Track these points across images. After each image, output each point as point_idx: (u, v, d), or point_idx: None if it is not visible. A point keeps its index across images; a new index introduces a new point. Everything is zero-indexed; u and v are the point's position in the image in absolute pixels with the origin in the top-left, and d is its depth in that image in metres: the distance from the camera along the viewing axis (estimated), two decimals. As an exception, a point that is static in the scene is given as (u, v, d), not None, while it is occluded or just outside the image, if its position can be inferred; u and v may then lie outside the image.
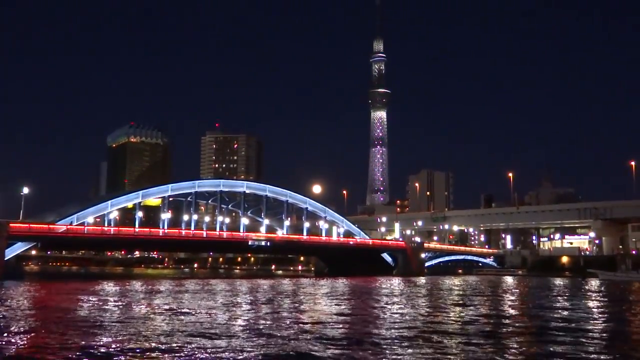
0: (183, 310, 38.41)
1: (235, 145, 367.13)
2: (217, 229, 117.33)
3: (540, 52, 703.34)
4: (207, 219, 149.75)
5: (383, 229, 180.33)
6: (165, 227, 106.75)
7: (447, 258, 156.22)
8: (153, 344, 23.62)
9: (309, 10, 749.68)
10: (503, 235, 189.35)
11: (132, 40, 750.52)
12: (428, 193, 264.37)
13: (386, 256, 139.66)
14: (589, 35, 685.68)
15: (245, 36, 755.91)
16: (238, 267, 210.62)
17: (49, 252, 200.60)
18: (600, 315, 40.59)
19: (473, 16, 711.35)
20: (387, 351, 22.69)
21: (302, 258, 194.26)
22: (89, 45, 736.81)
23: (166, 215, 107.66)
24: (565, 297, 59.19)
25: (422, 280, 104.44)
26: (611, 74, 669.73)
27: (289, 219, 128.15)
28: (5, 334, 26.32)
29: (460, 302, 50.47)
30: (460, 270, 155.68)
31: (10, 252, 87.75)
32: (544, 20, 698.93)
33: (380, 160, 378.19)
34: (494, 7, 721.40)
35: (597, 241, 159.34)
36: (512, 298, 59.85)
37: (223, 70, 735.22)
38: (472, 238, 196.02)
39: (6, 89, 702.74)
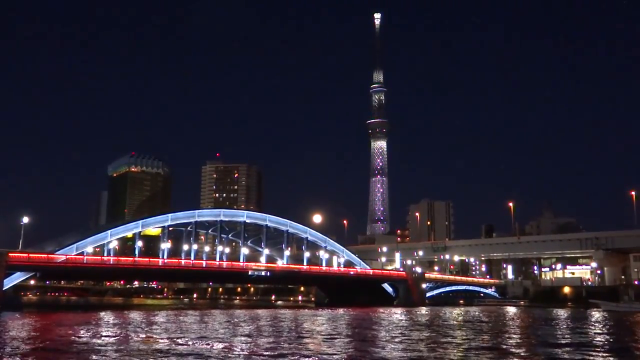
0: (180, 346, 37.85)
1: (236, 175, 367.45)
2: (217, 259, 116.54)
3: (539, 83, 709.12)
4: (207, 248, 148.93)
5: (384, 259, 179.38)
6: (165, 257, 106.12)
7: (448, 288, 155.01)
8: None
9: (309, 42, 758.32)
10: (504, 265, 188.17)
11: (133, 71, 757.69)
12: (429, 223, 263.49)
13: (387, 286, 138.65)
14: (588, 65, 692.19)
15: (245, 67, 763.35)
16: (238, 298, 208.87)
17: (47, 282, 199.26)
18: (608, 350, 39.97)
19: (473, 48, 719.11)
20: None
21: (302, 288, 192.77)
22: (90, 76, 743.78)
23: (166, 245, 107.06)
24: (573, 330, 58.49)
25: (423, 311, 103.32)
26: (612, 103, 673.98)
27: (289, 248, 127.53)
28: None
29: (469, 336, 49.85)
30: (461, 301, 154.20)
31: (9, 282, 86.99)
32: (542, 52, 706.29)
33: (381, 190, 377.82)
34: (492, 38, 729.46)
35: (599, 271, 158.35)
36: (521, 331, 59.08)
37: (223, 100, 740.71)
38: (473, 268, 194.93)
39: (8, 117, 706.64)
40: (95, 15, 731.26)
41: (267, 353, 32.96)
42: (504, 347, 39.22)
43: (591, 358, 33.45)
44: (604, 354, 36.31)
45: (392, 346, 38.29)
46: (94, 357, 30.41)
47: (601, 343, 43.82)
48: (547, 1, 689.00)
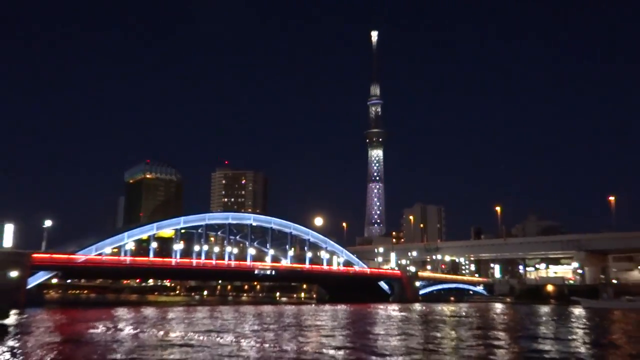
0: (192, 339, 38.04)
1: (243, 181, 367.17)
2: (226, 258, 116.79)
3: (525, 93, 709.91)
4: (216, 249, 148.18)
5: (380, 259, 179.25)
6: (178, 257, 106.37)
7: (440, 286, 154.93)
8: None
9: (313, 58, 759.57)
10: (492, 265, 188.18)
11: (148, 86, 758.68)
12: (422, 225, 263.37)
13: (383, 284, 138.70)
14: (572, 72, 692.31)
15: (253, 82, 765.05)
16: (245, 295, 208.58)
17: (68, 281, 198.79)
18: (587, 342, 40.14)
19: (462, 61, 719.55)
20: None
21: (304, 286, 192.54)
22: (109, 90, 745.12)
23: (178, 246, 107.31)
24: (555, 325, 58.64)
25: (417, 307, 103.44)
26: (593, 114, 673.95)
27: (293, 249, 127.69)
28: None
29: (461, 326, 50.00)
30: (452, 298, 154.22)
31: (33, 281, 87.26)
32: (530, 62, 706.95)
33: (377, 195, 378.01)
34: (479, 47, 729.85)
35: (580, 271, 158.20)
36: (507, 325, 59.22)
37: (232, 113, 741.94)
38: (463, 267, 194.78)
39: (31, 128, 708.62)
40: (119, 26, 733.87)
41: (274, 344, 33.15)
42: (491, 338, 39.39)
43: (571, 349, 33.64)
44: (583, 346, 36.50)
45: (390, 337, 38.47)
46: (113, 349, 30.64)
47: (580, 336, 44.00)
48: (542, 4, 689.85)
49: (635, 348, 36.55)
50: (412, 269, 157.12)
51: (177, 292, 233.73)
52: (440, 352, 31.89)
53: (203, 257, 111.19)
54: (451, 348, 33.78)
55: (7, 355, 27.43)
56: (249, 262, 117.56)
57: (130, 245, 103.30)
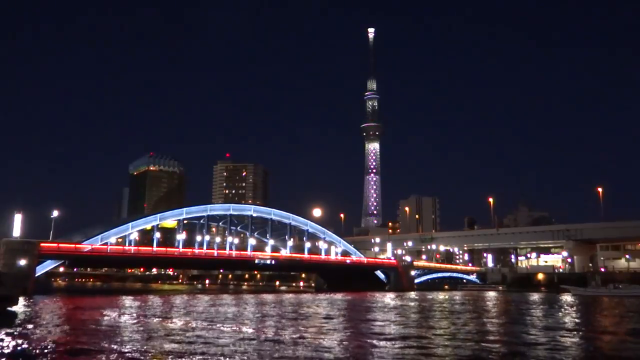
0: (195, 325, 38.13)
1: (244, 174, 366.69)
2: (227, 248, 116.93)
3: (516, 87, 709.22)
4: (217, 239, 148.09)
5: (376, 249, 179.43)
6: (180, 247, 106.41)
7: (434, 275, 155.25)
8: (169, 354, 23.46)
9: (312, 56, 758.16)
10: (485, 254, 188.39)
11: (152, 80, 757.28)
12: (417, 216, 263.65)
13: (379, 273, 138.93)
14: (561, 65, 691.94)
15: (254, 78, 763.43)
16: (245, 283, 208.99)
17: (75, 269, 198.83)
18: (575, 327, 40.32)
19: (456, 56, 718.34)
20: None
21: (303, 275, 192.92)
22: (115, 85, 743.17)
23: (181, 236, 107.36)
24: (545, 311, 58.89)
25: (412, 295, 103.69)
26: (583, 109, 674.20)
27: (292, 239, 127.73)
28: (38, 345, 26.13)
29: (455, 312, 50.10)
30: (446, 286, 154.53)
31: (41, 269, 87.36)
32: (521, 57, 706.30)
33: (374, 187, 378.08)
34: (469, 46, 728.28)
35: (569, 260, 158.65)
36: (499, 312, 59.43)
37: (234, 107, 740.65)
38: (457, 257, 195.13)
39: (40, 122, 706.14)
40: (125, 24, 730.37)
41: (274, 331, 33.25)
42: (484, 323, 39.54)
43: (559, 333, 33.82)
44: (572, 331, 36.68)
45: (388, 323, 38.57)
46: (118, 335, 30.74)
47: (569, 321, 44.20)
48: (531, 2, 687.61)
49: (618, 330, 36.79)
50: (408, 258, 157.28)
51: (180, 280, 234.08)
52: (432, 334, 32.05)
53: (205, 247, 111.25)
54: (445, 333, 33.91)
55: (16, 340, 27.52)
56: (249, 252, 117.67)
57: (135, 235, 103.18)
